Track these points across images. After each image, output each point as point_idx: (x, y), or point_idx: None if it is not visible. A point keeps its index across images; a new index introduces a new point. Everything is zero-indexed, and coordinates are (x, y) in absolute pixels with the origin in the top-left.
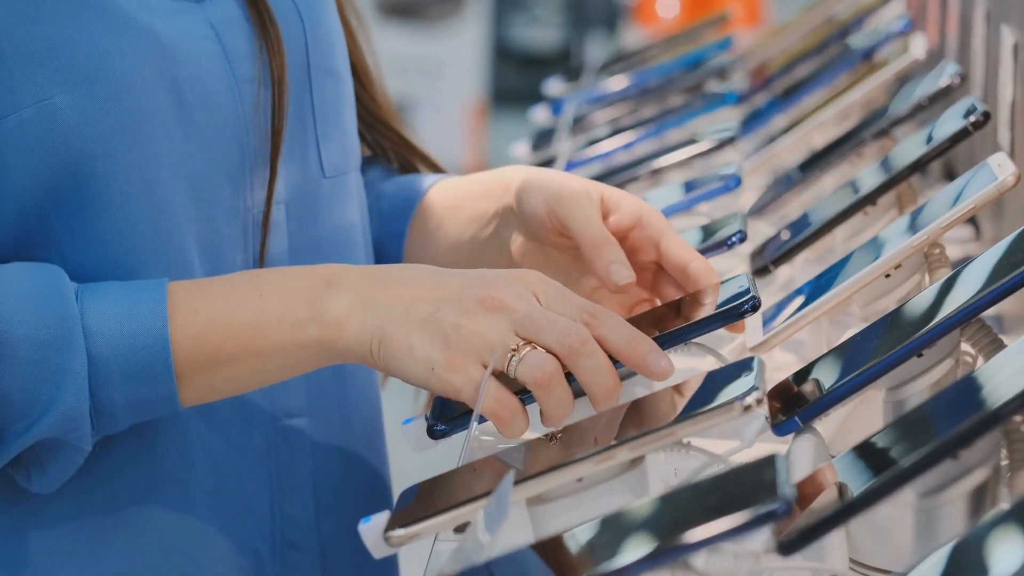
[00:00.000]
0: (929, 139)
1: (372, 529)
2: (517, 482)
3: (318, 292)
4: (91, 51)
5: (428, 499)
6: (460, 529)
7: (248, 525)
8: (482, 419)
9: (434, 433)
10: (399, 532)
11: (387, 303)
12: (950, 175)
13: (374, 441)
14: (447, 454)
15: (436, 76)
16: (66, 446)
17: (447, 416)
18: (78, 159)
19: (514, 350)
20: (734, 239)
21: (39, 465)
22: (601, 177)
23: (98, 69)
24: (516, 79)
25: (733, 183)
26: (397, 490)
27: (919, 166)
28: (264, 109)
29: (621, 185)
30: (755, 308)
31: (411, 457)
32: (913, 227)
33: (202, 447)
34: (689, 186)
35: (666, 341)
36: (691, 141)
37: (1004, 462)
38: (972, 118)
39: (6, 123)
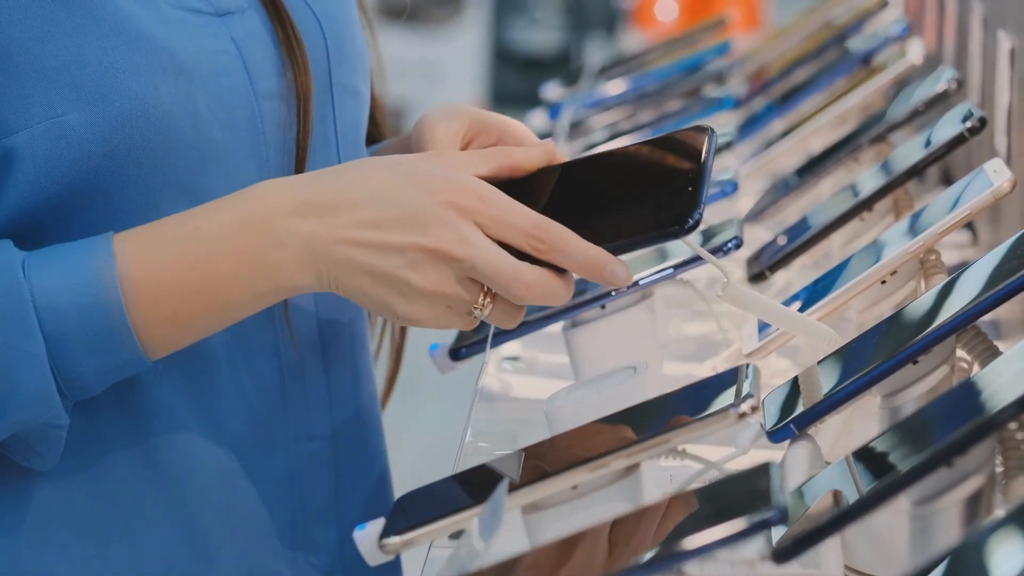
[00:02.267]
0: (926, 144)
1: (367, 536)
2: (512, 489)
3: (264, 251)
4: (105, 69)
5: (423, 506)
6: (455, 536)
7: (271, 550)
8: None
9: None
10: (394, 539)
11: (333, 252)
12: (947, 180)
13: (382, 462)
14: (442, 463)
15: (436, 79)
16: (46, 426)
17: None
18: (85, 176)
19: (476, 306)
20: (730, 245)
21: (30, 448)
22: None
23: (111, 87)
24: (516, 82)
25: (730, 188)
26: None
27: (916, 171)
28: (287, 126)
29: None
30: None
31: (409, 464)
32: (909, 233)
33: (214, 465)
34: None
35: (620, 248)
36: None
37: (999, 469)
38: (969, 123)
39: (16, 138)
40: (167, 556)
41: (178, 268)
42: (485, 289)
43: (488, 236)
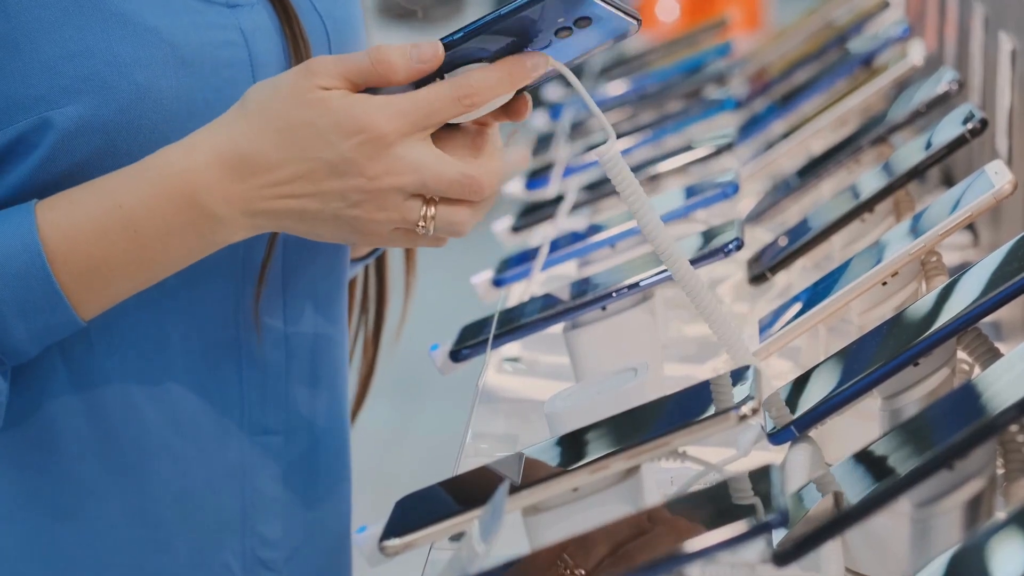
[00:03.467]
0: (927, 146)
1: (367, 539)
2: (512, 491)
3: (197, 222)
4: (108, 61)
5: (423, 508)
6: (456, 538)
7: (221, 540)
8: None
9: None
10: (394, 542)
11: (272, 207)
12: (948, 180)
13: (342, 462)
14: (442, 463)
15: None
16: None
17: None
18: (82, 167)
19: (422, 224)
20: (731, 246)
21: None
22: (598, 183)
23: (114, 79)
24: None
25: (731, 190)
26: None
27: (917, 173)
28: None
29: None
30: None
31: (409, 465)
32: (910, 234)
33: (167, 450)
34: (687, 192)
35: None
36: (689, 147)
37: (1000, 471)
38: (970, 125)
39: (14, 128)
40: (117, 537)
41: (105, 243)
42: (425, 200)
43: (419, 135)
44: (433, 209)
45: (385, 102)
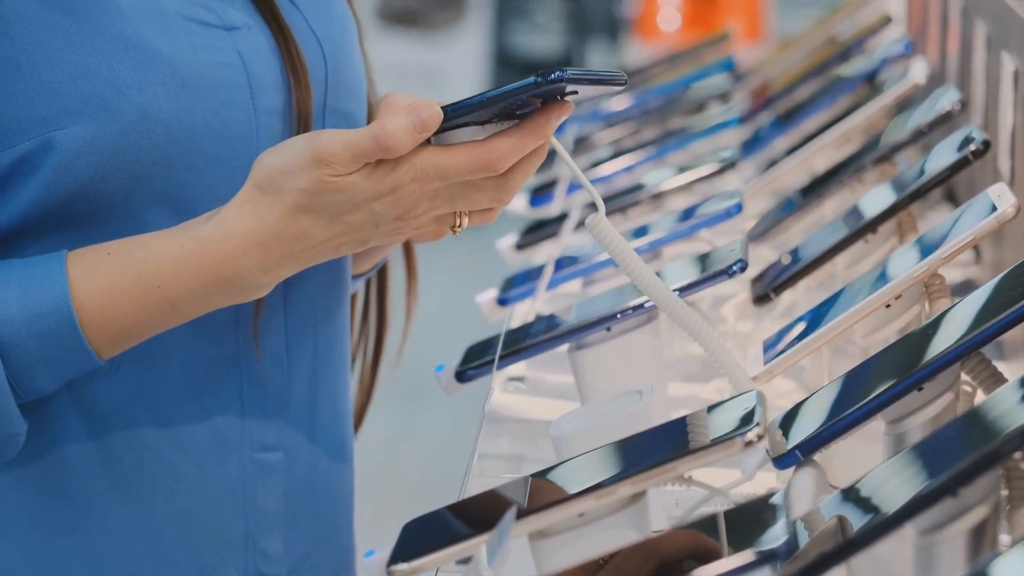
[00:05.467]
0: (930, 167)
1: (375, 563)
2: (519, 516)
3: (236, 296)
4: (109, 82)
5: (430, 532)
6: (463, 562)
7: (223, 556)
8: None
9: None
10: (402, 566)
11: (307, 261)
12: (950, 196)
13: (344, 477)
14: (448, 490)
15: (437, 84)
16: (4, 436)
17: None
18: (84, 188)
19: (456, 226)
20: (735, 268)
21: None
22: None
23: (115, 100)
24: None
25: (735, 210)
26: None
27: (919, 194)
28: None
29: (623, 209)
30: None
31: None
32: (914, 257)
33: (169, 467)
34: (690, 212)
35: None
36: (692, 166)
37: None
38: (972, 147)
39: (17, 149)
40: (120, 553)
41: (142, 317)
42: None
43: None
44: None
45: (401, 168)
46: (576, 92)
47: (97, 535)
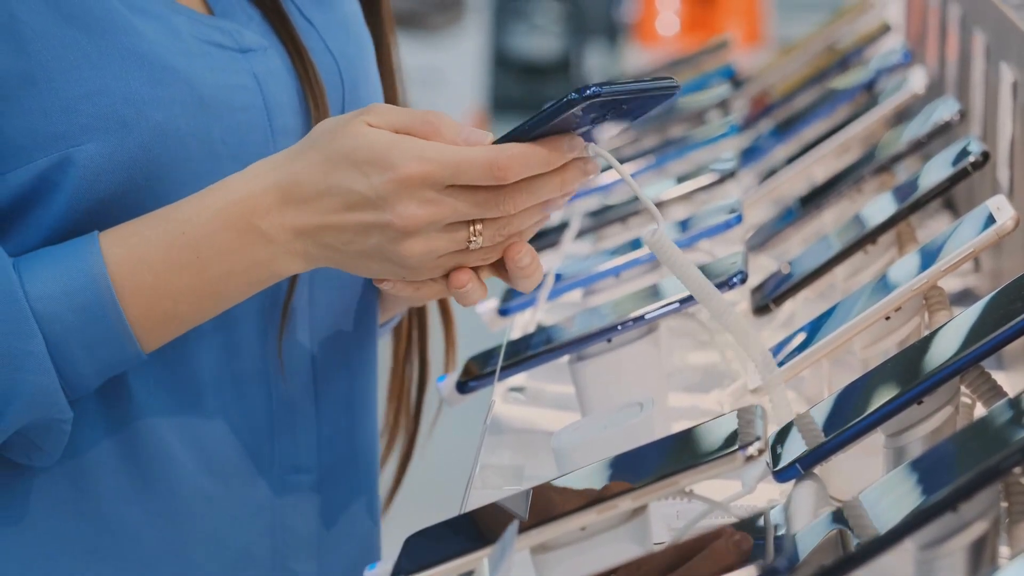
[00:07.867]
0: (929, 178)
1: None
2: (521, 530)
3: (254, 247)
4: (127, 100)
5: (432, 546)
6: None
7: None
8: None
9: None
10: None
11: (320, 237)
12: (948, 205)
13: (370, 499)
14: (449, 501)
15: (436, 85)
16: (50, 421)
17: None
18: (102, 205)
19: (472, 239)
20: (735, 280)
21: (31, 444)
22: (602, 211)
23: (132, 118)
24: (516, 88)
25: (734, 220)
26: (396, 539)
27: (919, 206)
28: None
29: (623, 219)
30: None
31: (410, 502)
32: (913, 269)
33: (199, 489)
34: (690, 223)
35: None
36: (691, 175)
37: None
38: (971, 158)
39: (35, 165)
40: (149, 575)
41: (169, 272)
42: (470, 224)
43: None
44: (479, 224)
45: (420, 148)
46: (624, 107)
47: (129, 560)
